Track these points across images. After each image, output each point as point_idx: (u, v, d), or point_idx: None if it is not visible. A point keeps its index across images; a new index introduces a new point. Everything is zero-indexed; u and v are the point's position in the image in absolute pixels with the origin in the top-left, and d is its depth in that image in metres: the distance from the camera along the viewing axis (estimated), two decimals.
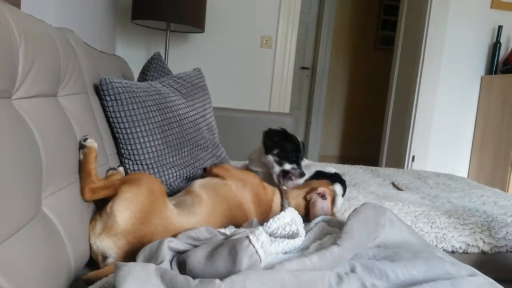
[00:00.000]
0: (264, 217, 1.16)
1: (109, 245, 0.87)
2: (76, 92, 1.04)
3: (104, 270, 0.83)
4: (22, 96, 0.75)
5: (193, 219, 0.99)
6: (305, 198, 1.23)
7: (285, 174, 1.39)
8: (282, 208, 1.19)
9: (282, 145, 1.41)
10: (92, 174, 0.93)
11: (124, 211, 0.88)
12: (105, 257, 0.88)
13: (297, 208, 1.14)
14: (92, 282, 0.79)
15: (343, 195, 1.54)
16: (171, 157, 1.39)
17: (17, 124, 0.70)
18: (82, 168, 0.93)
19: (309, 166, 1.70)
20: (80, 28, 2.19)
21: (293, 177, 1.38)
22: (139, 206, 0.89)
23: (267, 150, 1.42)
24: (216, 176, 1.19)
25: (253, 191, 1.17)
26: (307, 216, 1.20)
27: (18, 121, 0.71)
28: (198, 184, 1.12)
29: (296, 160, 1.39)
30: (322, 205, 1.20)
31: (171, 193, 1.30)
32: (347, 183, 1.60)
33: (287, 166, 1.38)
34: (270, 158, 1.41)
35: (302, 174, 1.37)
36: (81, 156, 0.94)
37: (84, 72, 1.17)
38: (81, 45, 1.23)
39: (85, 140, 0.96)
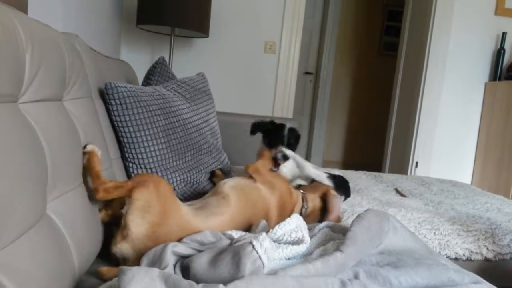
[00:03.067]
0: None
1: (128, 250, 0.91)
2: (81, 96, 1.05)
3: (114, 269, 0.87)
4: (28, 100, 0.76)
5: (214, 220, 1.00)
6: (321, 198, 1.31)
7: (276, 162, 1.49)
8: (301, 210, 1.27)
9: (266, 131, 1.55)
10: (100, 176, 0.96)
11: (136, 219, 0.91)
12: (125, 260, 0.92)
13: (314, 209, 1.28)
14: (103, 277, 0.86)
15: (345, 199, 1.56)
16: (175, 161, 1.40)
17: (23, 128, 0.70)
18: (89, 171, 0.96)
19: (316, 169, 1.71)
20: (86, 33, 2.21)
21: (279, 162, 1.48)
22: (151, 211, 0.92)
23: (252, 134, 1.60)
24: (250, 177, 1.21)
25: (279, 197, 1.20)
26: (322, 217, 1.28)
27: (23, 125, 0.71)
28: (228, 185, 1.14)
29: (281, 142, 1.51)
30: (337, 200, 1.29)
31: None
32: (350, 189, 1.61)
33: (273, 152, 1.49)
34: (262, 144, 1.57)
35: (285, 158, 1.47)
36: (85, 162, 0.97)
37: (89, 76, 1.18)
38: (86, 50, 1.24)
39: (84, 147, 0.99)
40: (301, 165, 1.49)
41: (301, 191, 1.33)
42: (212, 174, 1.55)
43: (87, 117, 1.05)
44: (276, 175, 1.31)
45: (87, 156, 0.97)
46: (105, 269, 0.87)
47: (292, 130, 1.58)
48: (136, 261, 0.89)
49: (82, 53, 1.17)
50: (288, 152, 1.47)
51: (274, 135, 1.53)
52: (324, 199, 1.30)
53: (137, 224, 0.90)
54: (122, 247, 0.91)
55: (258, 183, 1.19)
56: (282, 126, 1.55)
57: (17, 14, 0.75)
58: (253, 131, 1.59)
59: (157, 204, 0.93)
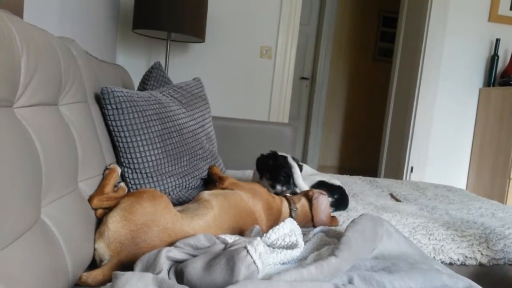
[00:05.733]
0: (275, 223, 1.20)
1: (103, 248, 0.90)
2: (77, 101, 1.05)
3: (93, 272, 0.86)
4: (23, 105, 0.76)
5: (198, 221, 1.01)
6: (306, 196, 1.32)
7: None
8: (291, 212, 1.27)
9: (272, 169, 1.49)
10: (104, 187, 1.06)
11: (115, 216, 0.92)
12: (101, 261, 0.91)
13: (303, 210, 1.28)
14: (86, 283, 0.84)
15: (343, 209, 1.55)
16: (170, 166, 1.40)
17: (18, 132, 0.70)
18: (100, 183, 1.08)
19: (315, 175, 1.71)
20: (82, 37, 2.21)
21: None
22: (131, 210, 0.93)
23: (261, 176, 1.52)
24: (224, 189, 1.23)
25: (263, 200, 1.21)
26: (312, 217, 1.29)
27: (19, 130, 0.71)
28: (207, 192, 1.15)
29: (287, 181, 1.47)
30: (323, 200, 1.29)
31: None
32: (348, 201, 1.61)
33: (279, 188, 1.46)
34: (265, 182, 1.50)
35: (293, 194, 1.44)
36: (103, 175, 1.12)
37: (84, 81, 1.18)
38: (82, 54, 1.25)
39: (110, 164, 1.18)
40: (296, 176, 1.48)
41: (287, 194, 1.35)
42: (208, 181, 1.55)
43: (83, 121, 1.05)
44: (253, 183, 1.32)
45: (107, 172, 1.13)
46: (84, 275, 0.85)
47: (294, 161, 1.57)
48: (111, 263, 0.88)
49: (78, 58, 1.17)
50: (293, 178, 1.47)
51: (277, 174, 1.47)
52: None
53: (116, 221, 0.91)
54: (98, 246, 0.91)
55: (237, 191, 1.20)
56: (284, 159, 1.51)
57: (12, 18, 0.75)
58: (259, 169, 1.54)
59: (140, 206, 0.93)
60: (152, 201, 0.96)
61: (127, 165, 1.32)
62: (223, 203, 1.10)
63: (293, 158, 1.53)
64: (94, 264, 0.94)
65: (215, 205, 1.07)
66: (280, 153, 1.54)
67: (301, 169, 1.54)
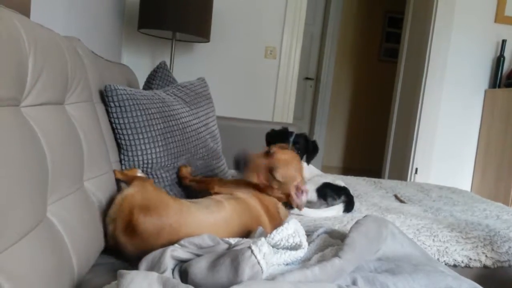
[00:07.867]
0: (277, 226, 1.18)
1: (113, 210, 0.98)
2: (83, 100, 1.06)
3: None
4: (30, 104, 0.77)
5: (212, 216, 1.02)
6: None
7: None
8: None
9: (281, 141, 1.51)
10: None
11: (135, 189, 1.01)
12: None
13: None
14: None
15: (349, 210, 1.54)
16: (172, 164, 1.40)
17: (25, 131, 0.71)
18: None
19: (319, 176, 1.71)
20: (88, 37, 2.22)
21: None
22: (144, 185, 1.03)
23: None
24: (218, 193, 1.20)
25: (263, 205, 1.18)
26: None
27: (25, 128, 0.72)
28: (220, 195, 1.15)
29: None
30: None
31: None
32: (354, 203, 1.61)
33: None
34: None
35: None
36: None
37: (90, 80, 1.18)
38: (88, 54, 1.25)
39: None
40: None
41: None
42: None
43: (89, 121, 1.05)
44: (240, 187, 1.23)
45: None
46: None
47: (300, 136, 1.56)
48: (111, 226, 0.96)
49: (84, 57, 1.18)
50: None
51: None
52: None
53: (129, 191, 0.99)
54: (109, 212, 0.98)
55: (239, 195, 1.17)
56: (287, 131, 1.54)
57: (20, 18, 0.76)
58: (268, 142, 1.55)
59: (155, 191, 1.01)
60: (158, 189, 1.03)
61: (128, 163, 1.32)
62: (235, 207, 1.09)
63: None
64: (99, 262, 0.95)
65: (227, 206, 1.07)
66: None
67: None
